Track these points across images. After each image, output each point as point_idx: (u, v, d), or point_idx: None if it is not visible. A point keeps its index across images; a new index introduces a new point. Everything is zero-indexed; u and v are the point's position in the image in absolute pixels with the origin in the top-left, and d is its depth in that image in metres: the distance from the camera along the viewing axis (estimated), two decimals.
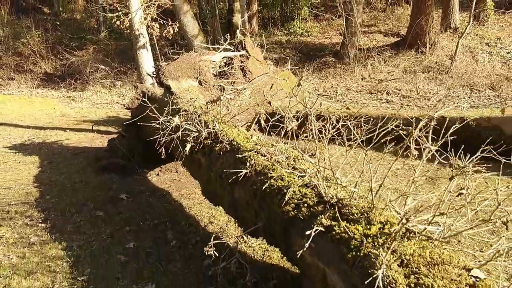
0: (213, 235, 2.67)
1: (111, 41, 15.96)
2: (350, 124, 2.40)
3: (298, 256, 2.04)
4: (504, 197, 1.72)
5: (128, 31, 8.56)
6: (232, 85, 5.63)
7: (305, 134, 2.55)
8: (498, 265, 1.61)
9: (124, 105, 5.95)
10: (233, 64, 6.71)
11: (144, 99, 4.61)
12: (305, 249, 1.92)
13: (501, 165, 2.10)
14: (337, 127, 2.40)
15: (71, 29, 17.51)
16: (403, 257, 1.65)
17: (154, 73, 5.82)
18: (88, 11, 18.74)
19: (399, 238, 1.74)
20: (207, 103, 3.91)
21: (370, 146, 2.16)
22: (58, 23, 17.80)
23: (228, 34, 7.18)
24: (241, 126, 4.54)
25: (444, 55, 11.69)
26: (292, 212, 2.25)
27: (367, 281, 1.58)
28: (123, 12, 7.55)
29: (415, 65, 11.36)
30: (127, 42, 14.25)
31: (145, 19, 7.14)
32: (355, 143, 2.22)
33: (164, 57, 10.18)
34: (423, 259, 1.63)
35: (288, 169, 2.54)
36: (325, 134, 2.40)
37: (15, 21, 17.32)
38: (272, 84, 4.04)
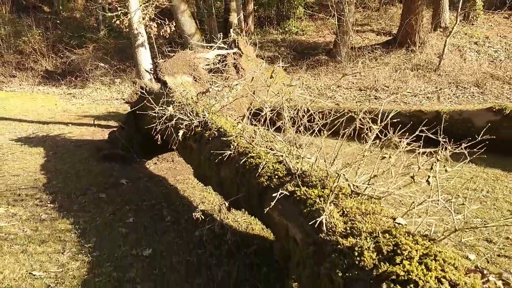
0: (200, 202, 3.15)
1: (111, 39, 16.42)
2: (315, 114, 2.90)
3: (269, 216, 2.53)
4: (427, 166, 2.20)
5: (127, 30, 9.02)
6: (226, 81, 6.10)
7: (280, 122, 3.06)
8: (416, 214, 2.08)
9: (123, 99, 6.42)
10: (227, 61, 7.20)
11: (142, 93, 5.10)
12: (271, 205, 2.39)
13: (441, 144, 2.57)
14: (306, 118, 2.88)
15: (71, 27, 17.98)
16: (344, 209, 2.12)
17: (152, 69, 6.29)
18: (88, 10, 19.19)
19: (343, 196, 2.23)
20: (197, 94, 4.39)
21: (330, 132, 2.65)
22: (58, 21, 18.26)
23: (222, 33, 7.66)
24: (234, 120, 5.01)
25: (433, 53, 12.17)
26: (265, 182, 2.73)
27: (315, 226, 2.05)
28: (123, 12, 8.01)
29: (404, 63, 11.84)
30: (126, 41, 14.71)
31: (143, 18, 7.61)
32: (322, 131, 2.70)
33: (161, 55, 10.65)
34: (359, 210, 2.10)
35: (266, 150, 3.02)
36: (297, 122, 2.90)
37: (16, 19, 17.78)
38: (252, 78, 4.51)
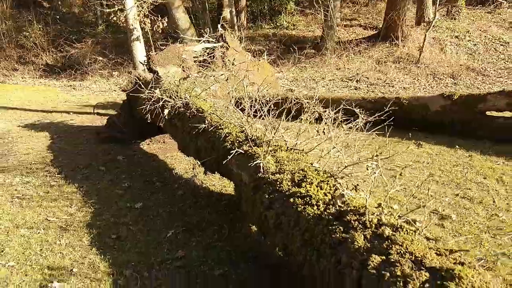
0: (184, 172, 3.99)
1: (109, 34, 17.22)
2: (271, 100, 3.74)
3: (230, 170, 3.38)
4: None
5: (124, 25, 9.84)
6: (213, 71, 6.93)
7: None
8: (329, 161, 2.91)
9: (120, 87, 7.25)
10: (215, 54, 8.02)
11: (137, 82, 5.93)
12: (230, 160, 3.25)
13: (390, 127, 3.39)
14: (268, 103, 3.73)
15: (70, 22, 18.78)
16: (278, 158, 2.97)
17: (145, 61, 7.12)
18: (86, 5, 19.96)
19: (280, 151, 3.07)
20: (179, 80, 5.23)
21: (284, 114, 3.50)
22: (57, 17, 19.05)
23: (207, 28, 8.48)
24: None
25: (415, 47, 12.97)
26: (229, 146, 3.57)
27: (257, 170, 2.90)
28: (119, 8, 8.84)
29: (387, 56, 12.66)
30: (123, 35, 15.50)
31: (138, 15, 8.43)
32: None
33: (156, 48, 11.47)
34: (288, 158, 2.95)
35: (233, 123, 3.86)
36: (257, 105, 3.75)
37: (17, 15, 18.58)
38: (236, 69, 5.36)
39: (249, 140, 3.44)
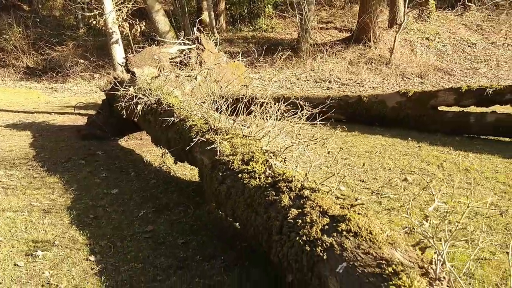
0: (158, 165, 4.50)
1: (90, 37, 17.60)
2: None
3: (194, 157, 3.91)
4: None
5: (104, 29, 10.30)
6: (189, 71, 7.46)
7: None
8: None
9: (99, 88, 7.72)
10: (190, 55, 8.54)
11: (115, 83, 6.42)
12: (194, 147, 3.78)
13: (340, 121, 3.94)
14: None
15: (50, 25, 19.10)
16: (233, 143, 3.51)
17: (123, 63, 7.60)
18: (67, 8, 20.29)
19: (236, 137, 3.61)
20: (151, 78, 5.75)
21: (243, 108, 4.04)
22: (38, 20, 19.35)
23: (195, 31, 8.99)
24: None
25: (387, 48, 13.68)
26: (194, 135, 4.10)
27: (214, 150, 3.43)
28: (99, 13, 9.31)
29: (360, 57, 13.34)
30: (104, 38, 15.93)
31: (117, 19, 8.91)
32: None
33: (136, 51, 11.95)
34: (242, 143, 3.49)
35: (199, 116, 4.39)
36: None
37: None
38: (208, 68, 5.91)
39: (211, 130, 3.98)
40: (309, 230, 2.23)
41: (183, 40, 8.26)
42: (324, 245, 2.10)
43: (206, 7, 16.00)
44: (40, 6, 20.81)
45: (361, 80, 11.66)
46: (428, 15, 15.51)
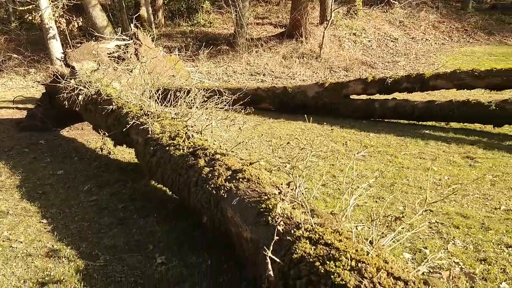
0: (99, 149, 5.18)
1: (23, 31, 17.42)
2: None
3: (131, 139, 4.64)
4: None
5: (39, 24, 10.58)
6: (127, 65, 8.07)
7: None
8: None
9: (39, 81, 8.14)
10: (128, 50, 9.12)
11: (56, 76, 6.93)
12: (131, 129, 4.51)
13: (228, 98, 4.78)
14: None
15: None
16: (162, 124, 4.28)
17: (62, 58, 8.08)
18: None
19: (165, 119, 4.39)
20: (91, 71, 6.36)
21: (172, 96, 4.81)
22: None
23: (134, 26, 9.56)
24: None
25: (317, 44, 14.86)
26: (130, 120, 4.81)
27: (146, 130, 4.20)
28: (33, 7, 9.62)
29: (292, 52, 14.41)
30: (38, 32, 15.91)
31: (53, 15, 9.30)
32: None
33: (74, 46, 12.24)
34: (170, 124, 4.27)
35: (134, 103, 5.11)
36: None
37: None
38: (146, 62, 6.65)
39: (145, 114, 4.72)
40: (216, 180, 3.08)
41: (120, 35, 8.84)
42: (226, 188, 2.96)
43: (144, 2, 16.43)
44: None
45: (293, 73, 12.73)
46: (355, 12, 16.92)
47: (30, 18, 9.34)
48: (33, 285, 2.83)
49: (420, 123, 7.02)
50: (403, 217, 2.34)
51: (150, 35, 10.17)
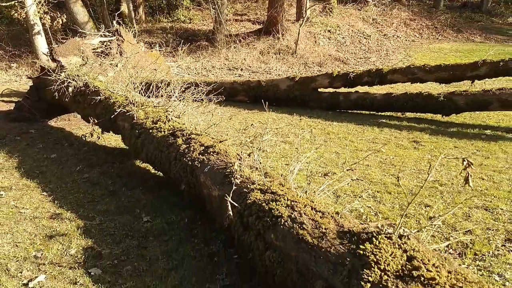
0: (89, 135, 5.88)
1: (3, 26, 17.77)
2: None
3: (117, 125, 5.36)
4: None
5: (22, 19, 11.09)
6: (111, 60, 8.72)
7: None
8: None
9: (27, 75, 8.73)
10: (111, 46, 9.76)
11: (44, 70, 7.56)
12: (116, 116, 5.22)
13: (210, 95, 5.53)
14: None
15: None
16: (146, 111, 5.01)
17: (48, 53, 8.68)
18: None
19: (149, 108, 5.12)
20: (79, 66, 7.02)
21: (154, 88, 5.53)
22: None
23: (115, 23, 10.18)
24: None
25: (293, 40, 15.67)
26: (118, 108, 5.52)
27: (132, 117, 4.91)
28: (18, 4, 10.16)
29: (269, 48, 15.19)
30: (19, 27, 16.31)
31: (38, 12, 9.86)
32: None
33: (56, 41, 12.77)
34: (152, 111, 5.00)
35: (120, 94, 5.81)
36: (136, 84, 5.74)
37: None
38: (128, 57, 7.31)
39: (130, 103, 5.44)
40: (192, 154, 3.83)
41: (104, 32, 9.48)
42: (199, 160, 3.72)
43: None
44: None
45: (269, 69, 13.51)
46: (330, 10, 17.79)
47: (16, 15, 9.87)
48: (43, 238, 3.54)
49: (379, 113, 7.88)
50: (328, 174, 3.13)
51: (132, 31, 10.81)
